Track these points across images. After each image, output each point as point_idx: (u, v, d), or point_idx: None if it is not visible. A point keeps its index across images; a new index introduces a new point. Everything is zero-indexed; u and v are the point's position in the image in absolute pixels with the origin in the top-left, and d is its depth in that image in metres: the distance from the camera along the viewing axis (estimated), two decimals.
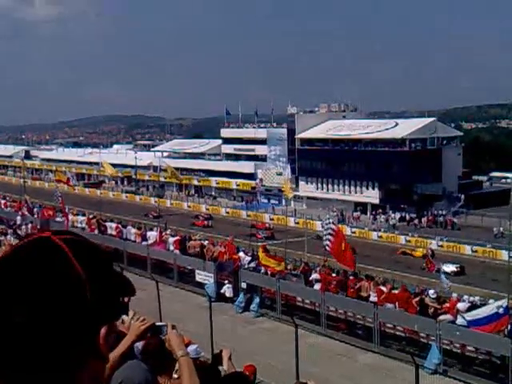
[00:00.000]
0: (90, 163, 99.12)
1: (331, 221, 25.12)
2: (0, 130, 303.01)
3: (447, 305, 20.52)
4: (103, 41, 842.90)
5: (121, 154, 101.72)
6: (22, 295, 1.05)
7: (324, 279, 23.13)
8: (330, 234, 23.94)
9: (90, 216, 38.26)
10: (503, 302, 18.95)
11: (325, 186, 71.40)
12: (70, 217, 37.33)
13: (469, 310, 19.67)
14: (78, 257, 1.10)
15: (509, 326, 18.15)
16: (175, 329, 3.37)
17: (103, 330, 1.13)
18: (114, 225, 34.78)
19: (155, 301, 17.88)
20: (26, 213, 40.21)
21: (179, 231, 39.48)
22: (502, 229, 49.18)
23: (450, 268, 39.46)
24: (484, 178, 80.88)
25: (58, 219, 37.94)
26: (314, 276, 23.87)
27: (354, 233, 54.20)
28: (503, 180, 79.90)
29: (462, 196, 64.76)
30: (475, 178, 77.41)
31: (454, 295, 21.71)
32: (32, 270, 1.07)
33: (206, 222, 60.44)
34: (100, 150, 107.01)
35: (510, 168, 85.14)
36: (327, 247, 24.10)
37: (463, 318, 18.88)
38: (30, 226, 33.47)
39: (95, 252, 1.16)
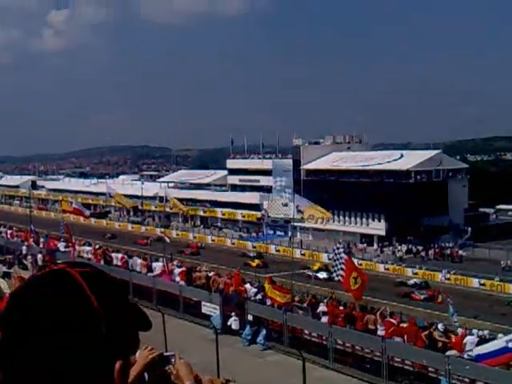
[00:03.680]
0: (97, 193, 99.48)
1: (342, 251, 25.03)
2: (7, 160, 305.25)
3: (453, 340, 20.30)
4: (109, 72, 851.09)
5: (127, 185, 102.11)
6: (36, 329, 1.05)
7: (331, 312, 22.94)
8: (342, 263, 23.86)
9: (96, 246, 38.25)
10: None
11: (331, 217, 71.36)
12: (77, 247, 37.30)
13: (478, 344, 19.44)
14: (94, 290, 1.10)
15: None
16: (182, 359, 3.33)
17: (118, 365, 1.12)
18: (119, 255, 34.74)
19: (161, 333, 17.73)
20: (32, 243, 40.24)
21: (185, 262, 39.42)
22: (509, 262, 48.93)
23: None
24: (491, 211, 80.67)
25: (63, 249, 37.94)
26: (321, 308, 23.68)
27: (361, 265, 53.91)
28: (510, 212, 79.70)
29: (469, 228, 64.57)
30: (482, 210, 77.25)
31: (459, 330, 21.49)
32: (48, 304, 1.07)
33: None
34: (106, 181, 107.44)
35: None
36: (340, 277, 23.96)
37: (469, 355, 18.66)
38: (39, 256, 33.40)
39: (111, 285, 1.16)
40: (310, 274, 49.51)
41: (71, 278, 1.10)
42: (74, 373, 1.05)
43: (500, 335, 20.47)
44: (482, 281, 47.83)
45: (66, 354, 1.05)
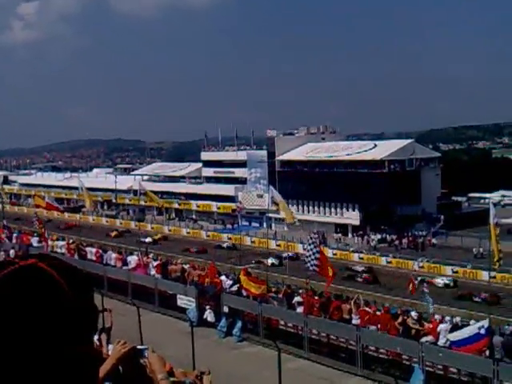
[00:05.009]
0: (70, 187, 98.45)
1: (315, 241, 25.04)
2: None
3: (430, 326, 20.52)
4: (81, 64, 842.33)
5: (100, 178, 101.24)
6: (18, 327, 1.04)
7: (307, 302, 23.04)
8: (316, 253, 23.92)
9: (70, 241, 37.93)
10: (485, 323, 19.00)
11: (305, 207, 71.58)
12: (50, 242, 36.98)
13: (451, 330, 19.69)
14: (69, 283, 1.10)
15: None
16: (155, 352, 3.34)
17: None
18: (94, 250, 34.50)
19: (136, 326, 17.67)
20: (5, 239, 39.79)
21: (160, 255, 39.27)
22: (481, 249, 49.52)
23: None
24: (463, 199, 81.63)
25: (36, 244, 37.58)
26: (297, 299, 23.78)
27: (336, 254, 54.25)
28: (482, 200, 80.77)
29: (442, 217, 65.26)
30: (454, 198, 78.15)
31: (437, 316, 21.71)
32: (28, 299, 1.05)
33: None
34: (79, 175, 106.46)
35: (487, 188, 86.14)
36: (315, 267, 24.02)
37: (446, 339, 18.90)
38: (12, 251, 33.06)
39: (80, 276, 1.16)
40: (146, 240, 60.14)
41: (45, 272, 1.09)
42: (58, 367, 1.05)
43: (472, 321, 20.76)
44: (455, 268, 48.45)
45: (47, 353, 1.04)
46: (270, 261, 49.54)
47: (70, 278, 1.11)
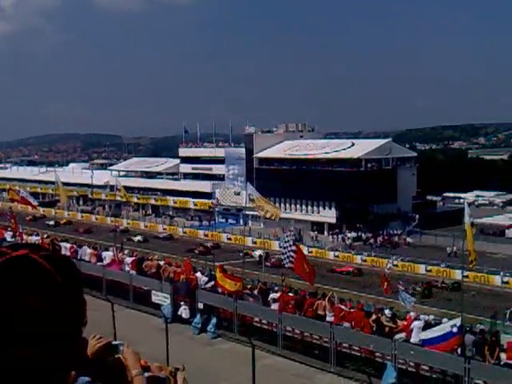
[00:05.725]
0: (46, 182, 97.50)
1: (291, 238, 25.07)
2: None
3: (404, 323, 20.70)
4: (58, 58, 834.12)
5: (77, 173, 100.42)
6: (13, 318, 1.04)
7: (282, 299, 23.11)
8: (292, 250, 23.94)
9: (44, 236, 37.60)
10: (457, 321, 19.23)
11: (282, 205, 71.64)
12: (24, 237, 36.62)
13: (423, 328, 19.89)
14: (61, 274, 1.11)
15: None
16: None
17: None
18: (68, 245, 34.21)
19: (110, 322, 17.58)
20: None
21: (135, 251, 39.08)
22: (455, 248, 50.09)
23: None
24: (438, 198, 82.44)
25: (10, 239, 37.21)
26: (272, 295, 23.85)
27: (311, 252, 54.41)
28: (456, 200, 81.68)
29: (417, 216, 65.83)
30: (429, 198, 78.88)
31: (412, 314, 21.88)
32: (21, 289, 1.06)
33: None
34: (55, 169, 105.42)
35: (462, 188, 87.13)
36: (290, 264, 24.06)
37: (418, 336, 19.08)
38: None
39: (72, 268, 1.18)
40: (50, 223, 70.11)
41: (36, 262, 1.09)
42: (54, 357, 1.07)
43: (444, 320, 20.99)
44: (429, 267, 48.93)
45: (45, 347, 1.06)
46: (137, 238, 61.13)
47: (63, 270, 1.11)
